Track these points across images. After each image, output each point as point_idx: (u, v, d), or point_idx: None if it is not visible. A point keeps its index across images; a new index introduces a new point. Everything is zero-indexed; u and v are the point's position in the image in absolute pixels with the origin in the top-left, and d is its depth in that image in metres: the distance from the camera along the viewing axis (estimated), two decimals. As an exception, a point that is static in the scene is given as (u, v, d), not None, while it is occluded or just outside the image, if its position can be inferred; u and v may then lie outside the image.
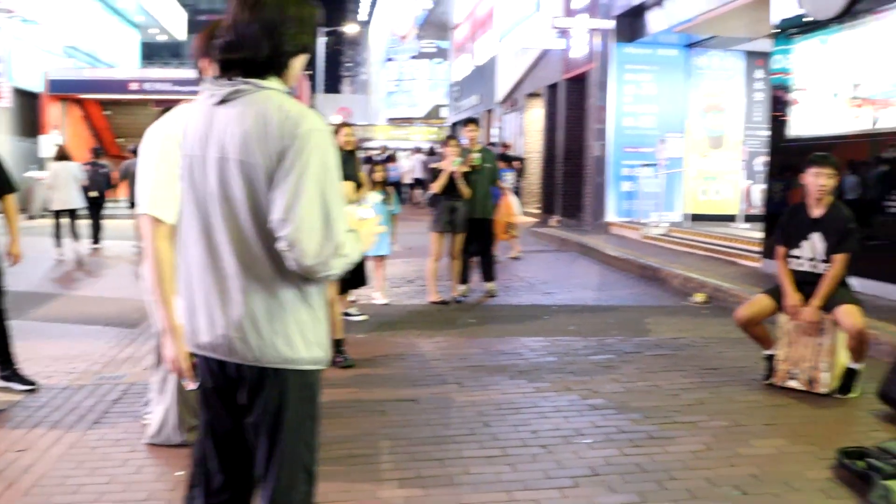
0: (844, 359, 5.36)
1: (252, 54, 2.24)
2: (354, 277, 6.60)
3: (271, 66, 2.27)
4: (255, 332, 2.24)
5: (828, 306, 5.28)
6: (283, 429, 2.30)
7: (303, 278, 2.24)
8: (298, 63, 2.34)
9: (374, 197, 7.04)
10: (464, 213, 8.75)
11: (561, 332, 7.38)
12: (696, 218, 15.89)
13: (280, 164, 2.15)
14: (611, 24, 16.44)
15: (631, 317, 8.18)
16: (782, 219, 5.68)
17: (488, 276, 9.45)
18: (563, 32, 18.86)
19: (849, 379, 5.34)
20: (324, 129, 2.21)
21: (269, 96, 2.22)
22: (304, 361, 2.30)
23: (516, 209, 12.99)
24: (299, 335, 2.27)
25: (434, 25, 38.35)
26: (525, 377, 5.74)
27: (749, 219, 15.05)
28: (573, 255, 14.06)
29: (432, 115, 45.39)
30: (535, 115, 23.60)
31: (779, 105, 10.70)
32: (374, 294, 8.61)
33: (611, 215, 16.83)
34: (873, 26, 8.85)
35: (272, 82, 2.27)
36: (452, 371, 5.89)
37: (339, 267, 2.20)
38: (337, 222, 2.17)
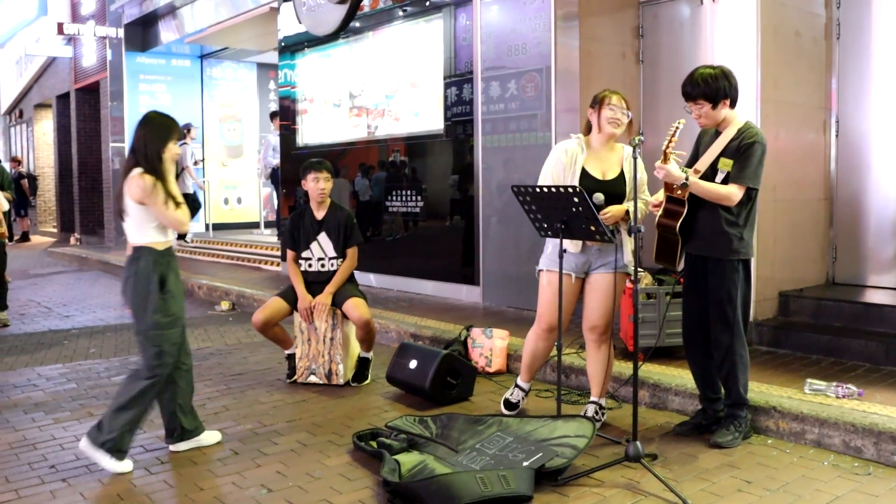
0: (356, 349, 5.82)
1: None
2: None
3: None
4: None
5: (337, 301, 5.67)
6: None
7: None
8: None
9: None
10: None
11: (82, 356, 6.99)
12: (221, 227, 16.04)
13: None
14: (120, 31, 15.94)
15: (157, 332, 8.01)
16: (289, 224, 5.93)
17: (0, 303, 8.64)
18: (71, 39, 17.89)
19: (362, 367, 5.81)
20: None
21: None
22: None
23: None
24: None
25: None
26: (41, 409, 5.35)
27: (270, 225, 15.60)
28: (95, 274, 13.40)
29: None
30: (45, 128, 22.09)
31: (288, 115, 11.21)
32: None
33: (133, 229, 16.32)
34: (370, 42, 9.66)
35: None
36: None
37: None
38: None
